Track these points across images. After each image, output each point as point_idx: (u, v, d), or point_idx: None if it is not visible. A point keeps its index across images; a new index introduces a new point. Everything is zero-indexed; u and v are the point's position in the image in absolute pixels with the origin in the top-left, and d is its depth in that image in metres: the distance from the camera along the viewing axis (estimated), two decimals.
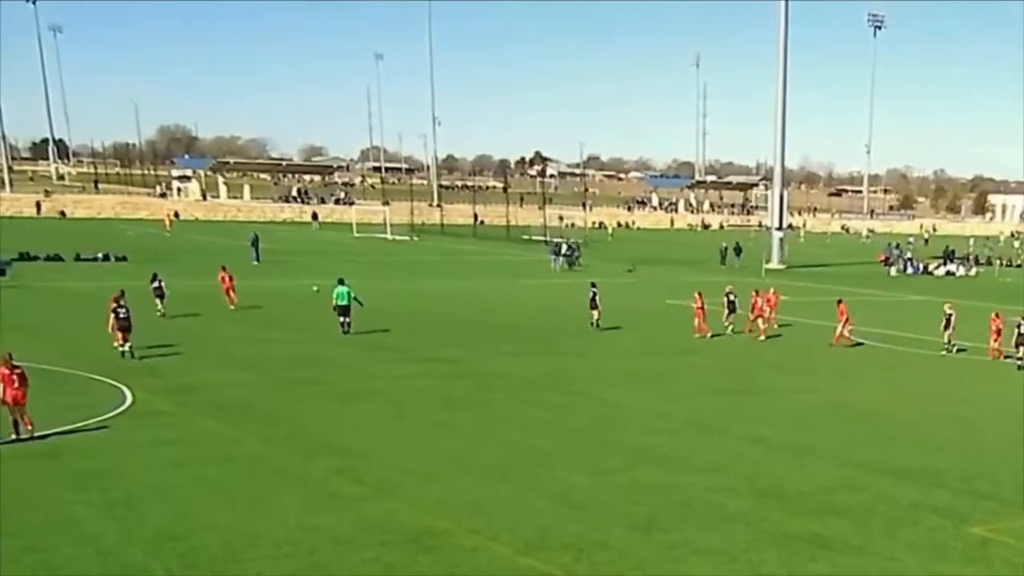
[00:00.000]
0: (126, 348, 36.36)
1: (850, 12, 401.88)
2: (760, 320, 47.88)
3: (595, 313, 47.66)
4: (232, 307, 50.57)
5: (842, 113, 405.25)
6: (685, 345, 44.06)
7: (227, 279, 51.65)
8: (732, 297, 48.53)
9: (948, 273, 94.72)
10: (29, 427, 25.08)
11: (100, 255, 73.93)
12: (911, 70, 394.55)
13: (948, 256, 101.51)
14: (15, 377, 25.21)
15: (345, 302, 43.42)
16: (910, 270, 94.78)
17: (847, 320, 45.50)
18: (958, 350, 44.37)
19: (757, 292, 49.27)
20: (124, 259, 73.67)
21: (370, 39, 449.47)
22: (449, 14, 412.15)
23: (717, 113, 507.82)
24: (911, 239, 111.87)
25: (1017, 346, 41.03)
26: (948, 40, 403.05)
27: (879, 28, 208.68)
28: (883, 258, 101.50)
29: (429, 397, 31.93)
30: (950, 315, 44.26)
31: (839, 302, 46.32)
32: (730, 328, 47.91)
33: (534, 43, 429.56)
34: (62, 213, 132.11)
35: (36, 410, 26.92)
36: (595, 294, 48.17)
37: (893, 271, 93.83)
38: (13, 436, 24.88)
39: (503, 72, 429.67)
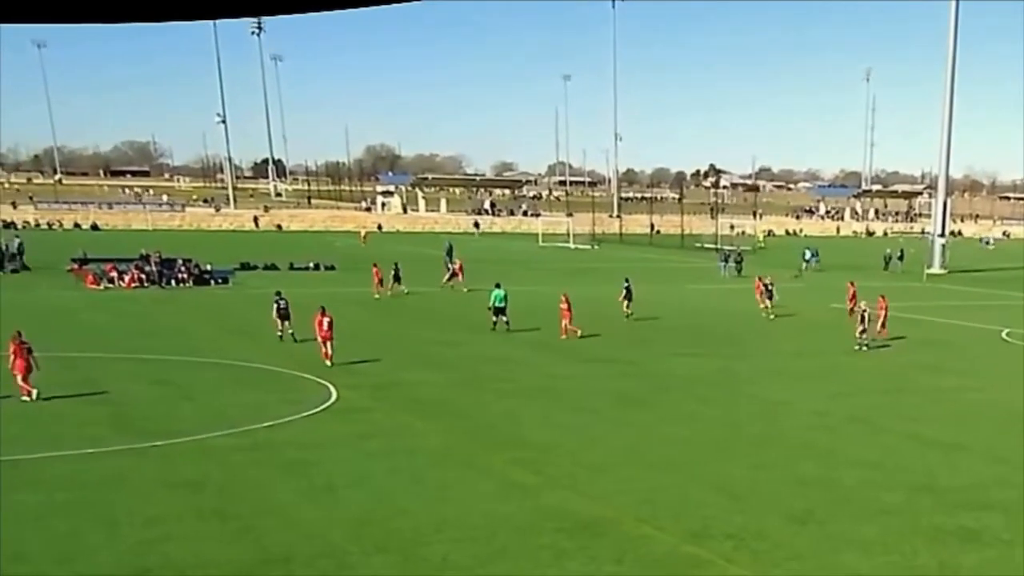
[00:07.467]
0: (286, 333, 39.52)
1: (1017, 24, 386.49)
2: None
3: (626, 304, 49.68)
4: (465, 289, 59.56)
5: (1008, 123, 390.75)
6: (847, 346, 42.97)
7: (460, 271, 62.32)
8: (771, 287, 52.53)
9: None
10: (32, 392, 27.79)
11: (311, 264, 75.58)
12: None
13: None
14: (24, 350, 28.19)
15: (501, 304, 44.63)
16: None
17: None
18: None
19: (852, 283, 51.87)
20: (332, 268, 75.28)
21: (559, 63, 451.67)
22: (633, 39, 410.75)
23: (885, 125, 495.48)
24: None
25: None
26: None
27: None
28: None
29: (604, 395, 31.94)
30: (865, 311, 43.01)
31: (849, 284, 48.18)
32: (766, 314, 51.70)
33: (710, 63, 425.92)
34: (279, 226, 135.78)
35: (251, 404, 28.06)
36: (628, 288, 50.23)
37: None
38: (26, 399, 27.69)
39: (682, 91, 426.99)
